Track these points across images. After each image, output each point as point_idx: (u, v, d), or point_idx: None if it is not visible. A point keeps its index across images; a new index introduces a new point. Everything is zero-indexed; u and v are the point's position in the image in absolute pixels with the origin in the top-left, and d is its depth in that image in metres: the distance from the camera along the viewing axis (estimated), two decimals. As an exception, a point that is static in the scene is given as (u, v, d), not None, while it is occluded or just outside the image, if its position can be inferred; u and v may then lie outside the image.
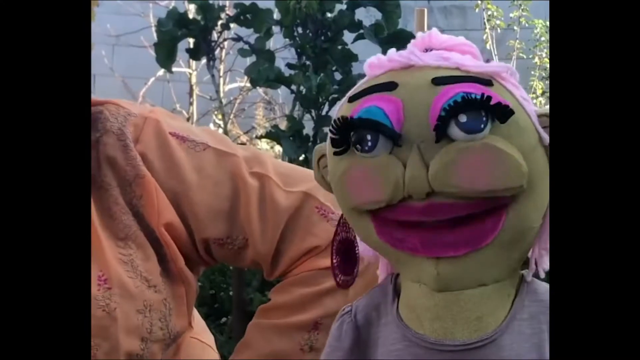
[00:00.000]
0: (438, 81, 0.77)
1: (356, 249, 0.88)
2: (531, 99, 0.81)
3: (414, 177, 0.75)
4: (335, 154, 0.79)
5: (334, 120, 0.78)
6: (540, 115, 0.79)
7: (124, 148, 1.14)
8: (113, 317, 1.08)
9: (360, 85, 0.82)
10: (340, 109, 0.82)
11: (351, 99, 0.81)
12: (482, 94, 0.74)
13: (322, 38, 3.28)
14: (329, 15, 3.31)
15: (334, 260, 0.88)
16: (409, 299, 0.83)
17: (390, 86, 0.79)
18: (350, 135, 0.78)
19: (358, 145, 0.78)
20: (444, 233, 0.77)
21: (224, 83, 4.29)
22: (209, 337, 1.33)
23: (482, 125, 0.75)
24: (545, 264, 0.83)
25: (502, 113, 0.75)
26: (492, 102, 0.74)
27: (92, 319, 1.04)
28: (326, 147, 0.83)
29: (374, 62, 0.82)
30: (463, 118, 0.75)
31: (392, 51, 0.82)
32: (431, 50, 0.82)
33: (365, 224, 0.80)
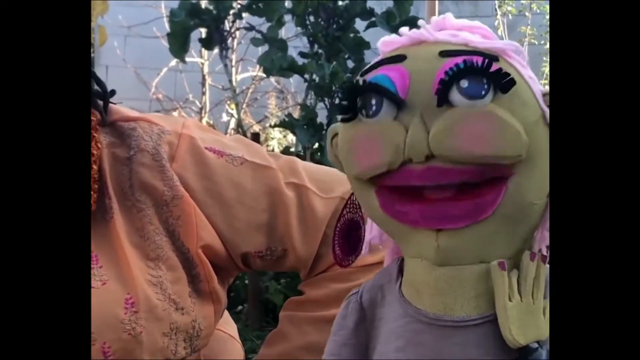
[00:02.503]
0: (445, 54, 0.79)
1: (361, 230, 0.89)
2: (538, 81, 0.82)
3: (414, 140, 0.76)
4: (343, 120, 0.81)
5: (340, 86, 0.80)
6: (545, 94, 0.80)
7: (160, 168, 1.12)
8: (139, 340, 1.07)
9: (372, 61, 0.84)
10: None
11: (362, 73, 0.83)
12: (484, 60, 0.75)
13: (334, 26, 3.29)
14: (340, 3, 3.32)
15: (336, 239, 0.90)
16: (411, 275, 0.83)
17: (399, 58, 0.81)
18: (357, 100, 0.79)
19: (363, 110, 0.79)
20: (444, 205, 0.77)
21: (236, 72, 4.30)
22: (232, 328, 1.34)
23: (483, 92, 0.75)
24: (547, 243, 0.82)
25: (503, 82, 0.75)
26: (493, 69, 0.75)
27: (118, 342, 1.05)
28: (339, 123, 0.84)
29: (387, 40, 0.84)
30: (464, 83, 0.75)
31: (404, 29, 0.84)
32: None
33: (370, 198, 0.81)
